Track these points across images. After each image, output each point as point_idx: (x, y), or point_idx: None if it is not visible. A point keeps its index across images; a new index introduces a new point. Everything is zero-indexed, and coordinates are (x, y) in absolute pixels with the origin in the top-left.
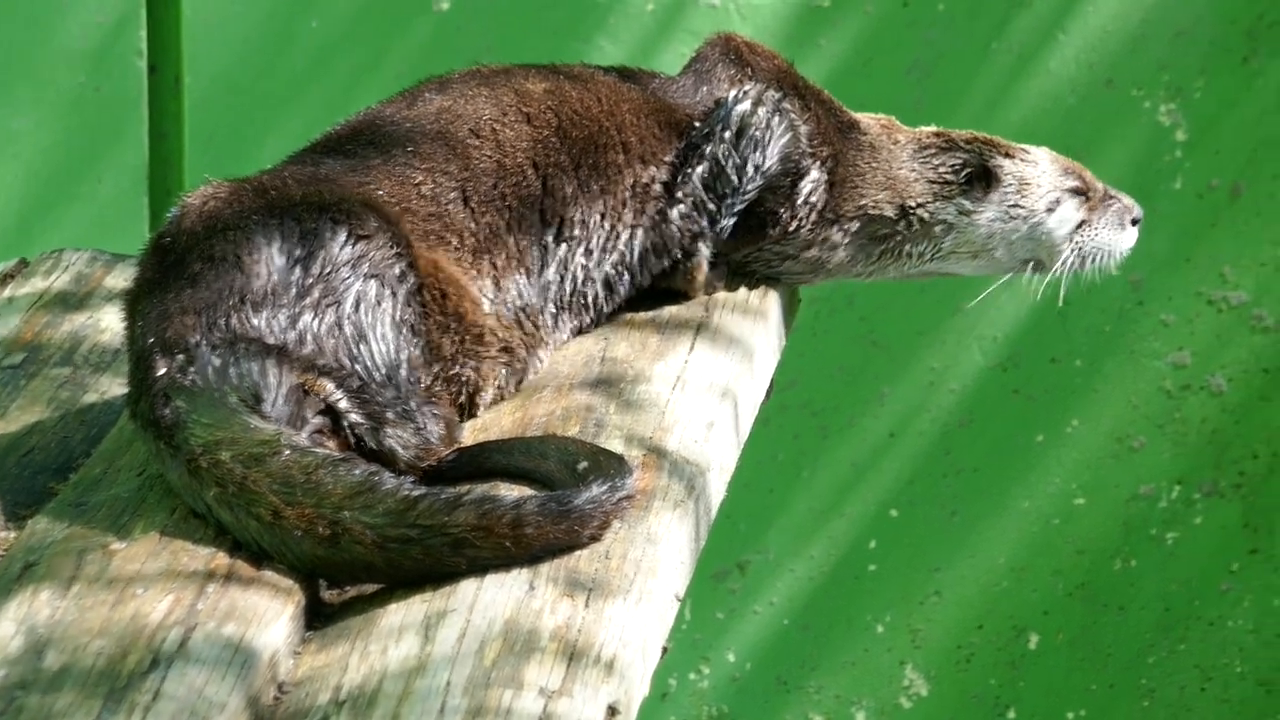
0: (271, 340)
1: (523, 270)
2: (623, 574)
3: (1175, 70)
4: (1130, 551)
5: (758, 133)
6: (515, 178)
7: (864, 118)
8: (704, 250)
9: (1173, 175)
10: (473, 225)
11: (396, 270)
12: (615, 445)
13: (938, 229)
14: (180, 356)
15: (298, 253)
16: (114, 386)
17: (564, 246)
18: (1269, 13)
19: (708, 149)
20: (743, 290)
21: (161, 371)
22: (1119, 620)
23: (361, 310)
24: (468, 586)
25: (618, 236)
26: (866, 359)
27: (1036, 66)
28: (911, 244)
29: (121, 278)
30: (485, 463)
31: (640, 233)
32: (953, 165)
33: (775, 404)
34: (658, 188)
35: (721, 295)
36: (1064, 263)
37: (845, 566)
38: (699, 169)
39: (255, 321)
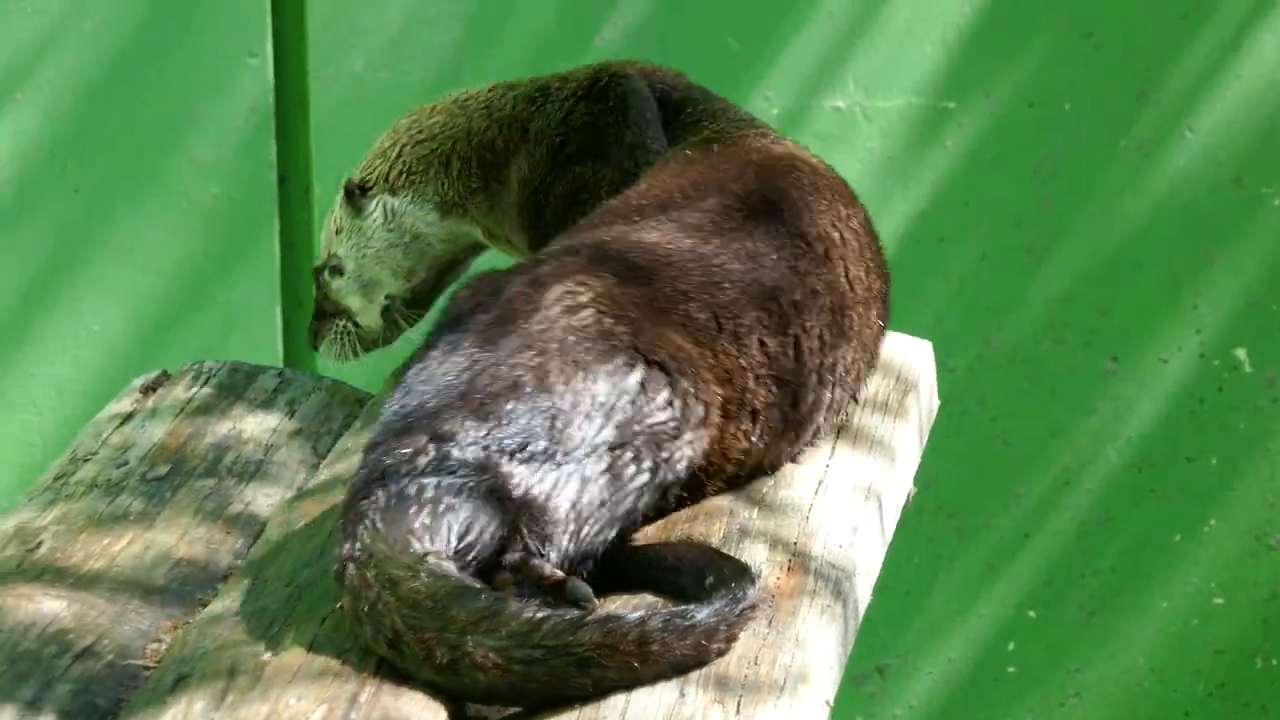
0: (520, 493)
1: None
2: (772, 679)
3: None
4: (1271, 650)
5: None
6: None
7: None
8: None
9: None
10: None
11: (682, 468)
12: (759, 550)
13: None
14: (432, 449)
15: (617, 414)
16: (258, 497)
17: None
18: None
19: None
20: (882, 389)
21: (405, 452)
22: None
23: (628, 500)
24: (618, 696)
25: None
26: (1000, 459)
27: (1163, 164)
28: None
29: (261, 389)
30: (624, 577)
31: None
32: None
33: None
34: None
35: (860, 396)
36: None
37: (984, 669)
38: None
39: (521, 469)
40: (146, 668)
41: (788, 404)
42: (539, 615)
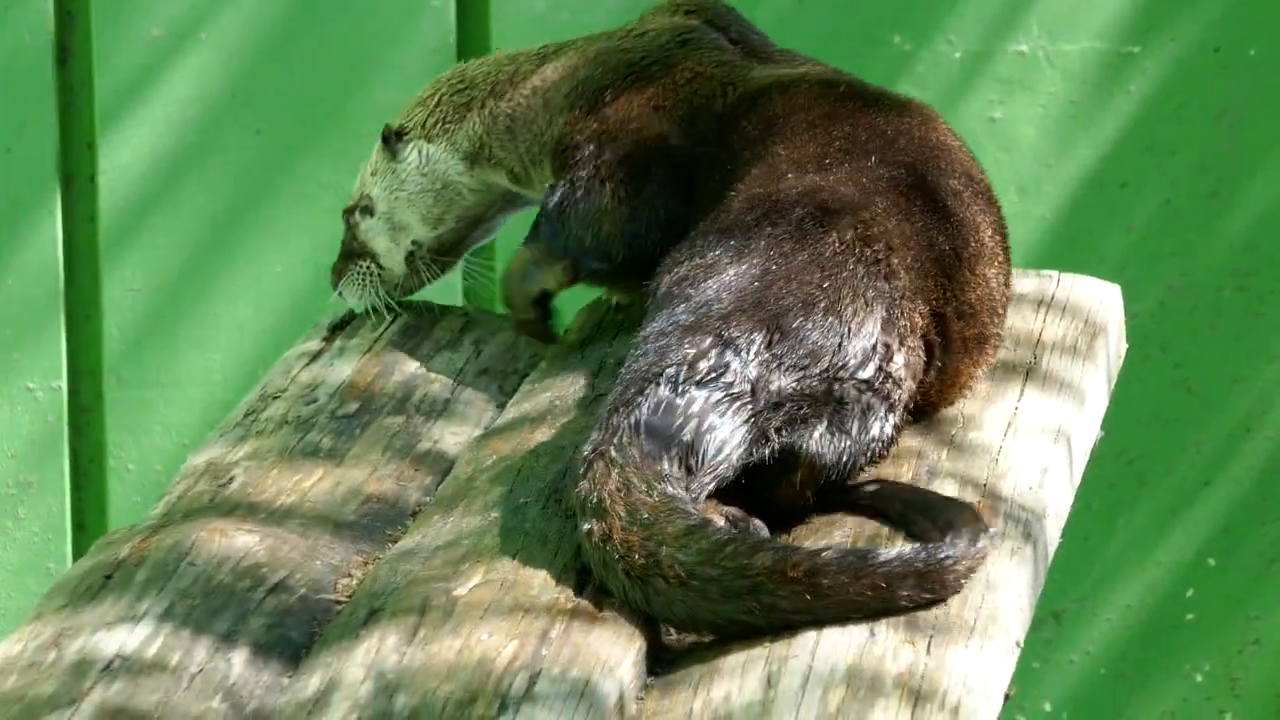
0: (783, 414)
1: None
2: (963, 620)
3: None
4: None
5: None
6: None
7: None
8: None
9: None
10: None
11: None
12: (948, 491)
13: None
14: (714, 354)
15: (877, 354)
16: (446, 435)
17: None
18: None
19: None
20: (1070, 332)
21: (688, 352)
22: None
23: (872, 438)
24: (808, 634)
25: None
26: (1181, 406)
27: None
28: None
29: (447, 329)
30: (888, 507)
31: None
32: None
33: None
34: None
35: (1050, 338)
36: None
37: (1162, 615)
38: None
39: (792, 387)
40: (338, 602)
41: (996, 337)
42: (727, 538)
